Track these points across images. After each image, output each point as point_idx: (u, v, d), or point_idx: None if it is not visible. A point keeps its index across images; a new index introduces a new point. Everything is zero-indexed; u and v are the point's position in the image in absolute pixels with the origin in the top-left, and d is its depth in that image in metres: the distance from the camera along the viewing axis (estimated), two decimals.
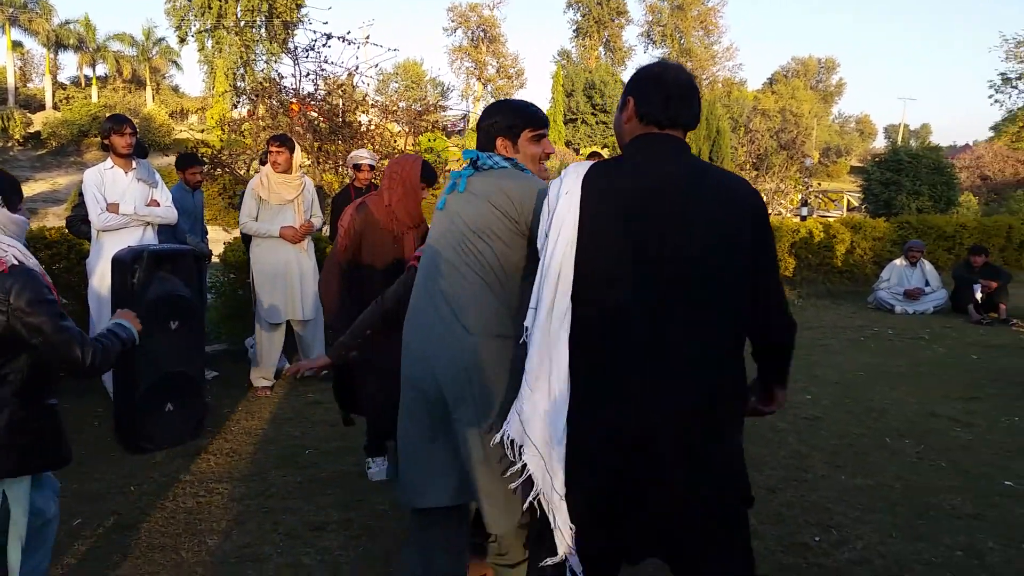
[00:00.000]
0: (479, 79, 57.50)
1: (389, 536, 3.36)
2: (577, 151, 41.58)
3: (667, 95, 2.04)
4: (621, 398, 1.95)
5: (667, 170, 2.01)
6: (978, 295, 9.16)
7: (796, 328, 2.11)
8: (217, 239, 7.68)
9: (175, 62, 49.36)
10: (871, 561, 3.25)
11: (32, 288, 2.19)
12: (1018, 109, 34.41)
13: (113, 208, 4.76)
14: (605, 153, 13.30)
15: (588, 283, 1.99)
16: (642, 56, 58.50)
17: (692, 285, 1.93)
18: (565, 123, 47.61)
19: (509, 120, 2.53)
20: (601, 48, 56.99)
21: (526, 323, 2.10)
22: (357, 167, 5.97)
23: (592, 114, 48.44)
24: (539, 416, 2.02)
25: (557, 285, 2.01)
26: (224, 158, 8.86)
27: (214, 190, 9.22)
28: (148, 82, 46.31)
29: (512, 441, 2.09)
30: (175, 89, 52.39)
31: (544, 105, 49.33)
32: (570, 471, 2.00)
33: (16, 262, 2.24)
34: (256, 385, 5.47)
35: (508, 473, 2.13)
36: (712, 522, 1.97)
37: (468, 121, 48.29)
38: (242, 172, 8.81)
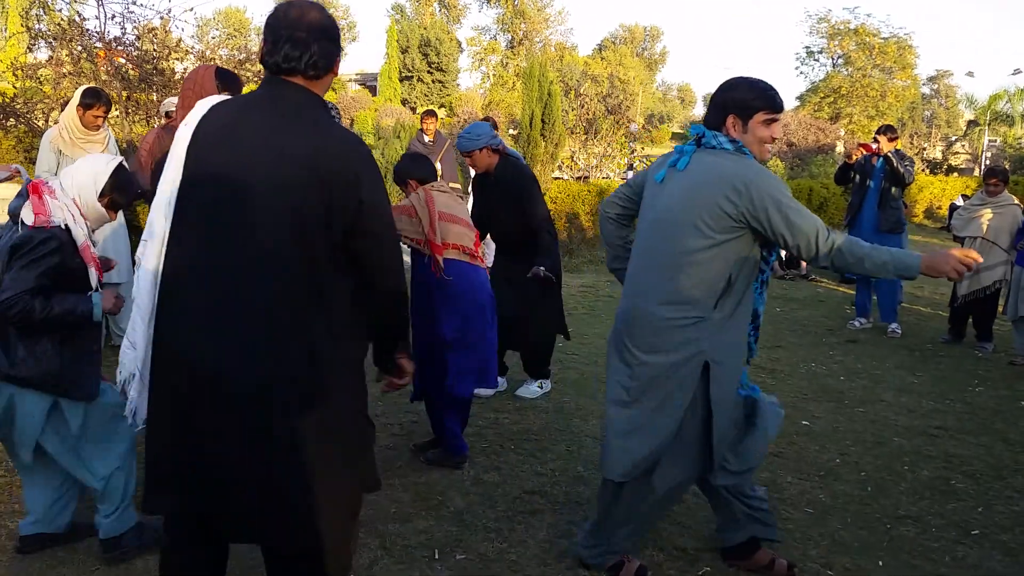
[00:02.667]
0: None
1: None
2: (414, 110, 41.02)
3: (275, 38, 1.92)
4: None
5: (254, 119, 1.92)
6: (783, 252, 9.96)
7: None
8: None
9: None
10: (685, 500, 3.48)
11: (38, 249, 2.48)
12: (819, 80, 37.40)
13: None
14: (441, 112, 13.21)
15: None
16: (476, 15, 58.48)
17: (250, 233, 1.87)
18: (401, 80, 46.79)
19: (746, 98, 2.49)
20: (436, 4, 56.21)
21: (138, 254, 2.04)
22: (169, 115, 5.52)
23: (428, 72, 47.92)
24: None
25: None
26: (19, 107, 8.01)
27: (8, 143, 8.30)
28: None
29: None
30: None
31: (378, 61, 48.23)
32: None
33: (62, 226, 2.54)
34: None
35: None
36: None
37: None
38: (40, 123, 8.00)
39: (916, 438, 4.38)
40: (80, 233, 2.61)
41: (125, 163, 2.80)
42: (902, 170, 6.59)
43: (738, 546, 2.92)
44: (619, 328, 2.70)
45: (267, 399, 1.87)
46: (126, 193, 2.80)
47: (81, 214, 2.64)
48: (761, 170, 2.47)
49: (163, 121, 5.65)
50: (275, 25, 1.91)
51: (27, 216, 2.56)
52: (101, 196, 2.68)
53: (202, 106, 1.98)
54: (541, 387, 4.92)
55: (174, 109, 5.40)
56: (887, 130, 6.82)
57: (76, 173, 2.69)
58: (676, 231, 2.50)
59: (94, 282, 2.67)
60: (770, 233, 2.44)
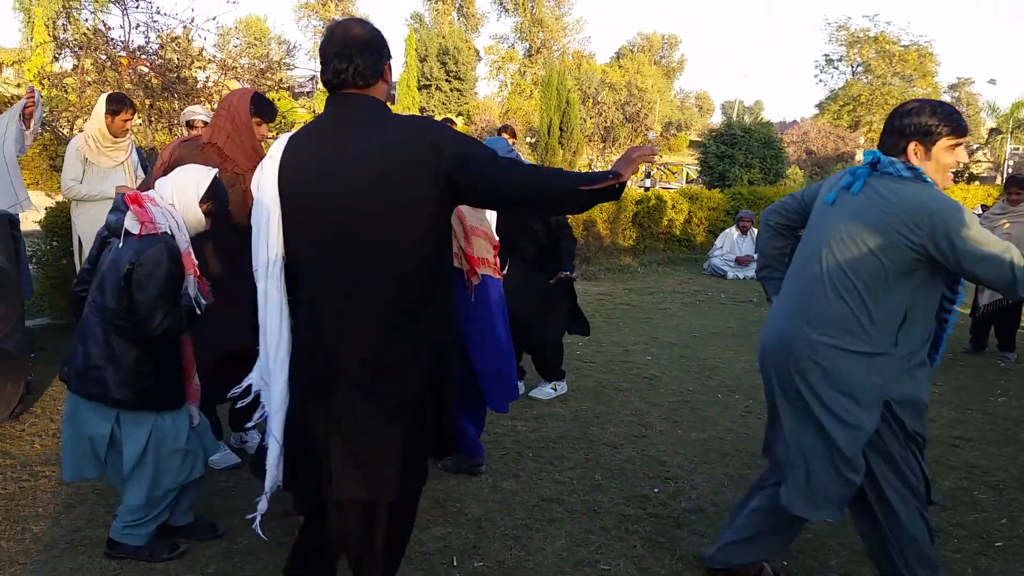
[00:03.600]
0: None
1: (233, 513, 3.25)
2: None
3: (325, 57, 2.11)
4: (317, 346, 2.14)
5: (340, 131, 2.10)
6: None
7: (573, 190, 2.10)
8: (39, 204, 7.04)
9: None
10: (704, 510, 3.48)
11: (161, 256, 2.56)
12: (839, 88, 37.23)
13: None
14: (459, 121, 13.31)
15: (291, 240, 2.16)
16: (494, 24, 58.74)
17: (360, 238, 2.06)
18: (419, 89, 47.01)
19: (930, 124, 2.37)
20: (454, 13, 56.48)
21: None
22: (190, 124, 5.55)
23: (446, 80, 48.10)
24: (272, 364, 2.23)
25: (268, 243, 2.16)
26: (45, 115, 8.14)
27: (33, 151, 8.43)
28: None
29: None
30: None
31: (397, 70, 48.48)
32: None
33: (169, 232, 2.64)
34: None
35: None
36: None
37: (316, 82, 46.65)
38: (65, 131, 8.11)
39: (937, 448, 4.33)
40: (183, 240, 2.67)
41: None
42: None
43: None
44: (775, 353, 2.57)
45: (389, 379, 2.10)
46: (221, 202, 2.84)
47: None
48: (944, 199, 2.30)
49: (185, 131, 5.69)
50: (324, 46, 2.12)
51: (132, 226, 2.61)
52: (201, 202, 2.75)
53: (281, 140, 2.20)
54: (555, 389, 4.96)
55: (195, 117, 5.50)
56: None
57: (177, 181, 2.74)
58: (848, 257, 2.38)
59: (192, 291, 2.72)
60: (956, 267, 2.28)
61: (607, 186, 2.08)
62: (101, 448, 2.74)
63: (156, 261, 2.56)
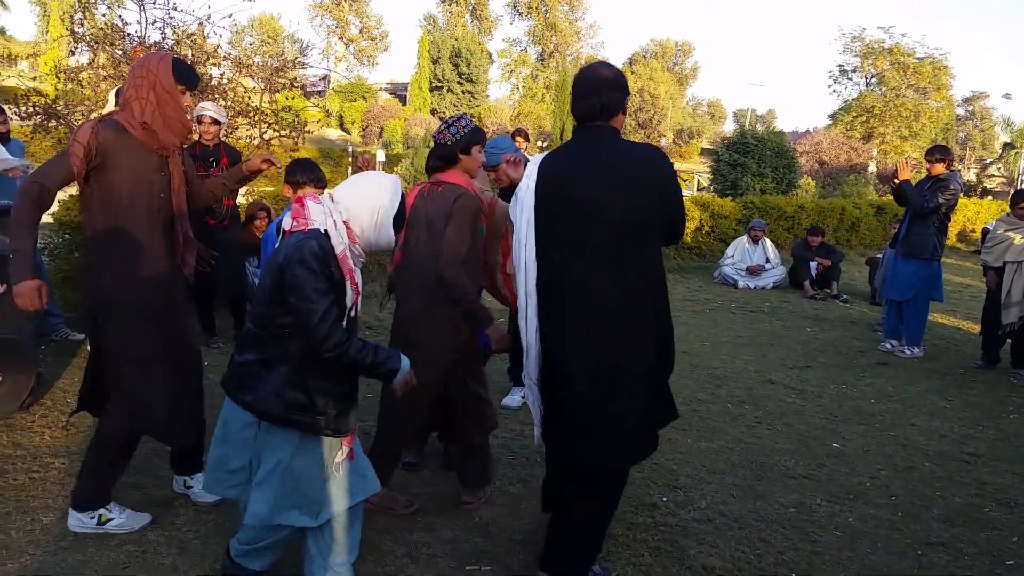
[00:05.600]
0: (341, 38, 55.76)
1: (240, 512, 3.24)
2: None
3: (572, 99, 2.56)
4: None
5: (584, 156, 2.53)
6: (813, 272, 9.87)
7: None
8: None
9: (0, 1, 44.90)
10: (713, 520, 3.46)
11: (306, 252, 2.28)
12: (852, 99, 37.07)
13: None
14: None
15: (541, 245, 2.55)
16: (507, 27, 58.77)
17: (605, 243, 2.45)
18: (431, 90, 47.11)
19: None
20: (468, 16, 56.61)
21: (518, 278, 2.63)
22: (199, 119, 5.51)
23: (458, 82, 48.15)
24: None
25: (526, 245, 2.55)
26: (60, 109, 8.16)
27: (48, 143, 8.46)
28: None
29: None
30: (0, 31, 47.65)
31: (409, 71, 48.58)
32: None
33: (321, 229, 2.35)
34: None
35: None
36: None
37: (329, 81, 46.81)
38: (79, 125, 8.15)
39: (948, 464, 4.30)
40: (338, 241, 2.36)
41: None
42: (907, 196, 6.53)
43: None
44: None
45: (631, 371, 2.49)
46: (399, 215, 2.52)
47: (345, 224, 2.42)
48: None
49: (194, 126, 5.45)
50: (576, 85, 2.56)
51: (286, 222, 2.40)
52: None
53: (536, 160, 2.61)
54: (524, 396, 4.90)
55: (203, 113, 5.48)
56: (928, 152, 6.73)
57: (362, 192, 2.46)
58: None
59: (349, 299, 2.40)
60: None
61: None
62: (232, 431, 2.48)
63: (300, 257, 2.27)
